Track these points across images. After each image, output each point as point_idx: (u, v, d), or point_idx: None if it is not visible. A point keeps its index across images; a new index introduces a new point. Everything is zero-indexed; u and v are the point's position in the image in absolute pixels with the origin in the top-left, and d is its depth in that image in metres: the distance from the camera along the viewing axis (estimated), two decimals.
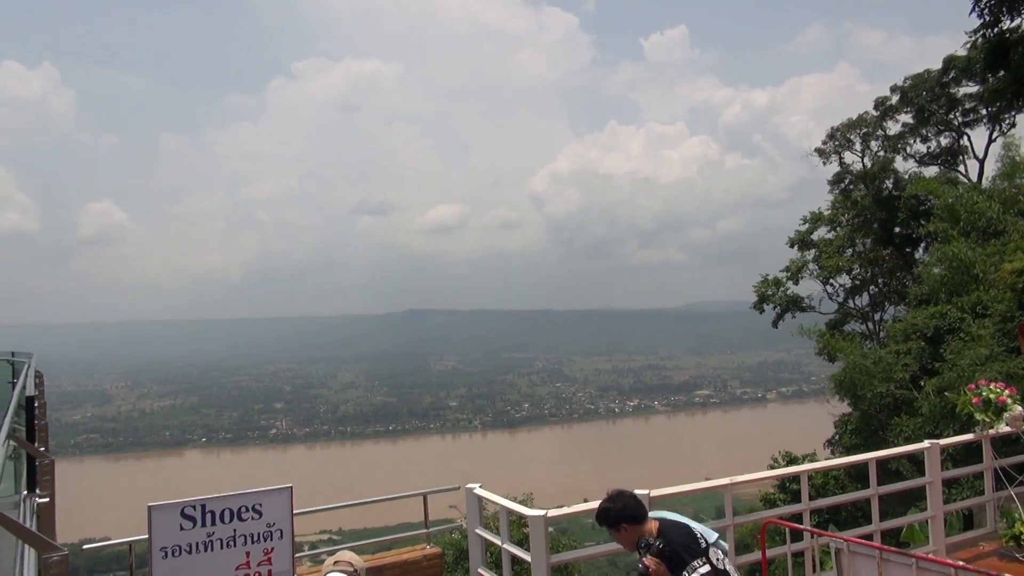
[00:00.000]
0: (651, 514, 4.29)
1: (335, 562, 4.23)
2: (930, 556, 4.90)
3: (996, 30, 11.99)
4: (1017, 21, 11.91)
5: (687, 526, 4.14)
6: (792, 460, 25.90)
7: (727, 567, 4.03)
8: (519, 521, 10.01)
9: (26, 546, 2.71)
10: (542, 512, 6.10)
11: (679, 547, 3.97)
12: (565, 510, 6.64)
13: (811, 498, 7.54)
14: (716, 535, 4.12)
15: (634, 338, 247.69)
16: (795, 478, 18.97)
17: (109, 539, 7.86)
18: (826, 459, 24.91)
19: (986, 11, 11.93)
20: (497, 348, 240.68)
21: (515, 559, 6.69)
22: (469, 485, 7.33)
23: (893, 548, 5.18)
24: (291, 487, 6.58)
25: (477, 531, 7.23)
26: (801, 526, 6.57)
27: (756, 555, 7.47)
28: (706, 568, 3.93)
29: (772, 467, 25.88)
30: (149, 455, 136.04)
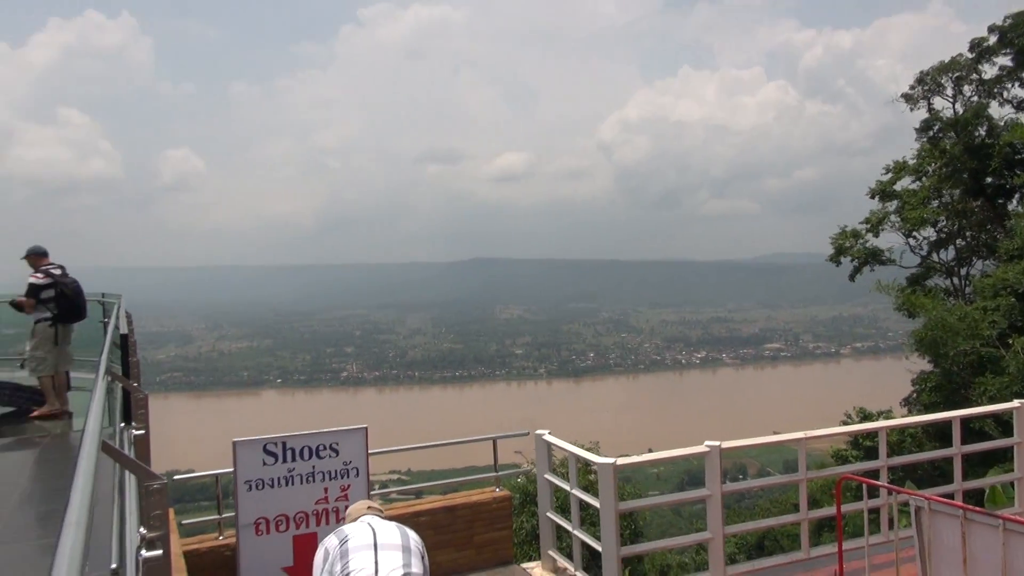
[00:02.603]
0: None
1: (368, 507, 4.27)
2: (1018, 518, 4.72)
3: None
4: None
5: None
6: (866, 416, 25.29)
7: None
8: (585, 468, 10.11)
9: (127, 474, 2.85)
10: (611, 460, 6.12)
11: None
12: (633, 459, 6.66)
13: (888, 455, 7.34)
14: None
15: (703, 290, 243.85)
16: (869, 435, 18.55)
17: (193, 471, 8.29)
18: (902, 417, 24.28)
19: None
20: (562, 298, 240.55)
21: (581, 504, 6.76)
22: (538, 431, 7.40)
23: (978, 508, 5.01)
24: (366, 428, 6.78)
25: (546, 476, 7.32)
26: (879, 483, 6.43)
27: (828, 510, 7.37)
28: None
29: (845, 423, 25.35)
30: (228, 393, 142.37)
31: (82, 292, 8.37)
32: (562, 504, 7.64)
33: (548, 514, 7.32)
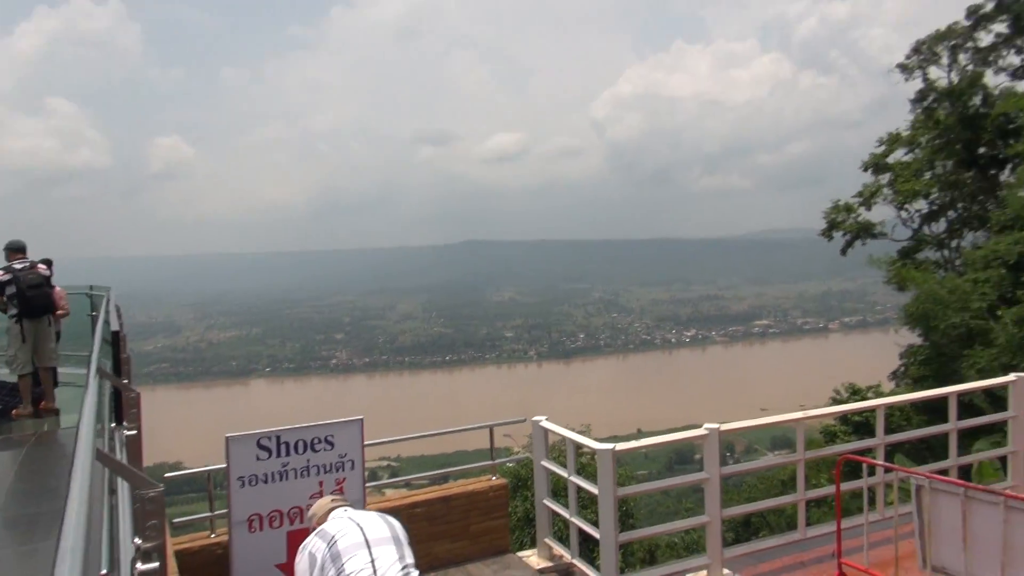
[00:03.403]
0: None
1: (331, 500, 4.14)
2: (1020, 495, 4.72)
3: None
4: None
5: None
6: (856, 392, 25.43)
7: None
8: (576, 449, 10.07)
9: (119, 479, 2.77)
10: (611, 446, 6.09)
11: None
12: (632, 444, 6.61)
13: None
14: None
15: (693, 268, 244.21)
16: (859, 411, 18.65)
17: (181, 463, 8.23)
18: (891, 392, 24.40)
19: None
20: (555, 279, 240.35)
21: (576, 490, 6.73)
22: (536, 418, 7.35)
23: (980, 486, 5.00)
24: (362, 419, 6.70)
25: (543, 463, 7.28)
26: (879, 462, 6.43)
27: (825, 490, 7.38)
28: None
29: (835, 399, 25.46)
30: (217, 383, 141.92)
31: (40, 284, 8.06)
32: (555, 489, 7.61)
33: (545, 502, 7.29)
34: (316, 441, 6.46)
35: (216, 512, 6.61)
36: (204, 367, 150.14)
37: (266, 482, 6.27)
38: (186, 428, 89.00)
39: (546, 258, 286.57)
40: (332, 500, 4.08)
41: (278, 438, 6.34)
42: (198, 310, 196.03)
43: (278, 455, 6.33)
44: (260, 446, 6.29)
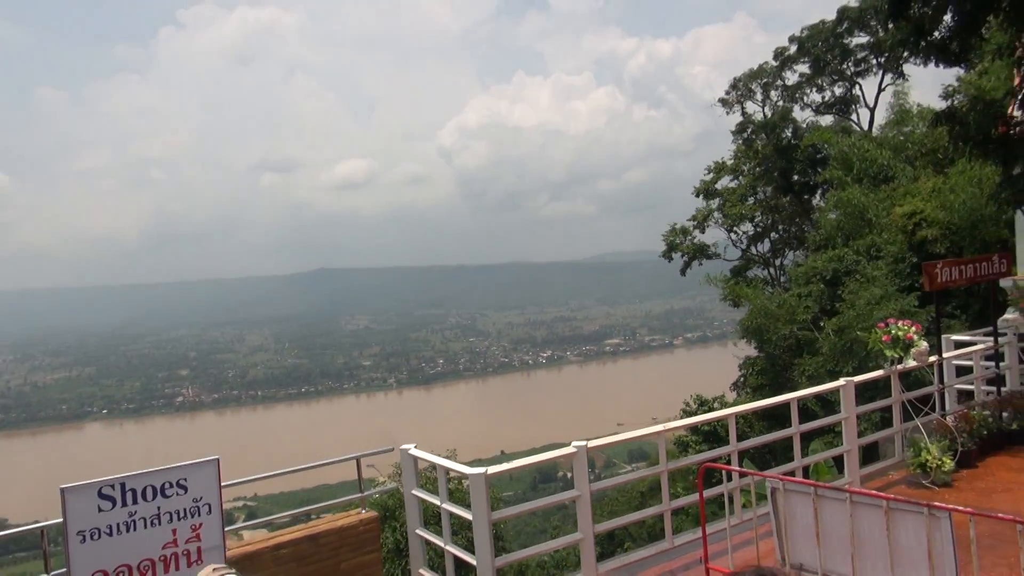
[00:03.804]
0: None
1: (214, 568, 3.88)
2: (863, 490, 5.13)
3: None
4: None
5: None
6: (703, 403, 26.87)
7: None
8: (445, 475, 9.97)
9: None
10: (483, 470, 6.05)
11: None
12: (504, 466, 6.60)
13: (727, 440, 7.79)
14: None
15: (546, 290, 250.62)
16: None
17: (6, 521, 7.34)
18: (735, 401, 26.02)
19: None
20: (410, 305, 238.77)
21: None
22: (404, 446, 7.20)
23: (828, 484, 5.40)
24: (218, 459, 6.27)
25: (414, 492, 7.13)
26: (737, 468, 6.80)
27: (688, 498, 7.71)
28: None
29: (685, 411, 26.73)
30: (45, 430, 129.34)
31: None
32: (425, 518, 7.47)
33: (418, 531, 7.13)
34: (167, 486, 5.97)
35: (53, 572, 5.93)
36: (29, 413, 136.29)
37: (111, 535, 5.71)
38: (11, 481, 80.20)
39: (400, 285, 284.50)
40: (214, 569, 3.77)
41: (123, 485, 5.80)
42: (19, 351, 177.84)
43: (124, 504, 5.79)
44: (102, 496, 5.72)
